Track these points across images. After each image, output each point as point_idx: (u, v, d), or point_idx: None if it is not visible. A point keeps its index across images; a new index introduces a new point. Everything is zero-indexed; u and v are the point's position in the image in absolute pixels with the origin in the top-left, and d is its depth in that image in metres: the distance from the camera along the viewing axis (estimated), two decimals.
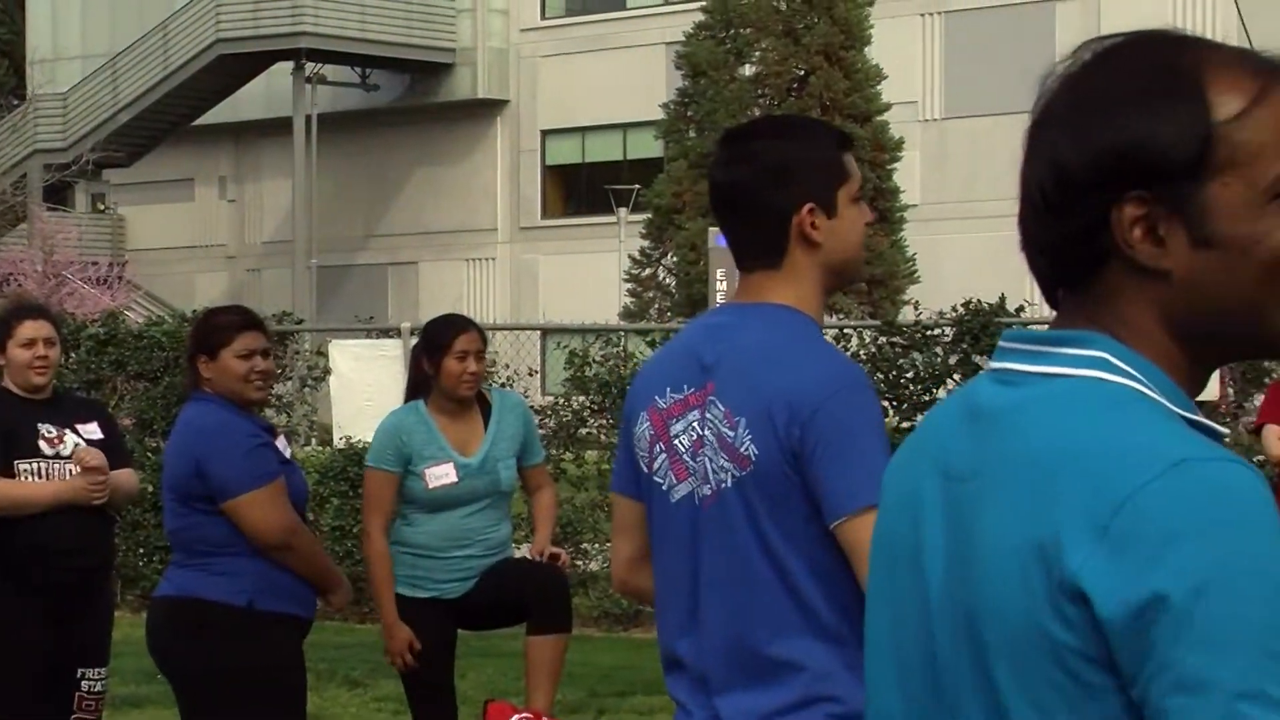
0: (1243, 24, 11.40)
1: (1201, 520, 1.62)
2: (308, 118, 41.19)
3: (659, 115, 37.65)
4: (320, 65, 42.05)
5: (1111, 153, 1.75)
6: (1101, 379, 1.77)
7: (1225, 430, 1.84)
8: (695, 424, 3.35)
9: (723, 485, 3.30)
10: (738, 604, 3.31)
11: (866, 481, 3.15)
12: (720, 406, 3.31)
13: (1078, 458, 1.70)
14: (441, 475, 7.00)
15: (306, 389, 15.45)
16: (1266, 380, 12.64)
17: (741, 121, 34.34)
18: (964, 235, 40.51)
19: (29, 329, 7.01)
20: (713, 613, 3.34)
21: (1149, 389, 1.77)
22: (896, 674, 1.90)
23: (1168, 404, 1.77)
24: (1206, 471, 1.65)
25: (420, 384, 7.14)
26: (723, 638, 3.33)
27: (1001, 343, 1.88)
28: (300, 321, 16.90)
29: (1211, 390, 10.79)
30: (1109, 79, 1.78)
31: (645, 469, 3.45)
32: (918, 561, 1.86)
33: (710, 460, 3.32)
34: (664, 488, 3.40)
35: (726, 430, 3.29)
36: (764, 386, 3.27)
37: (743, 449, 3.27)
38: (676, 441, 3.38)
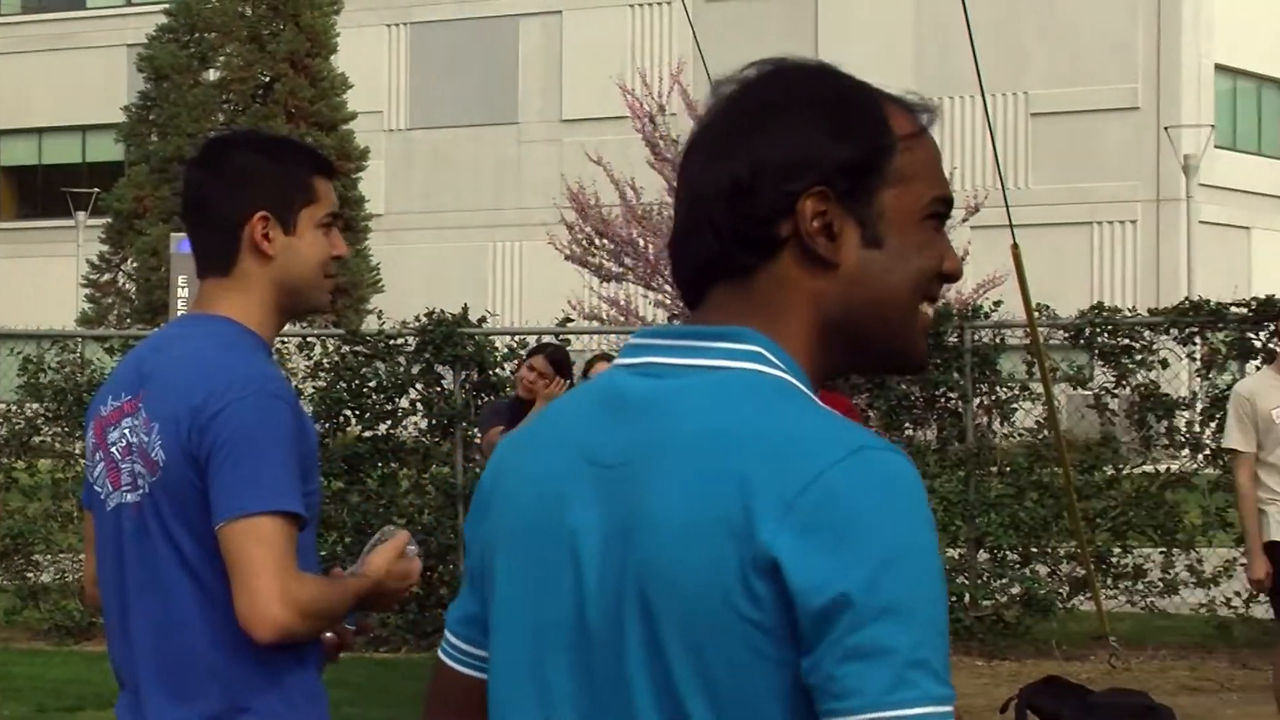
0: (699, 51, 11.74)
1: (880, 504, 1.78)
2: None
3: (120, 118, 36.79)
4: None
5: (808, 148, 1.91)
6: (758, 371, 1.90)
7: None
8: (127, 431, 3.31)
9: (142, 492, 3.27)
10: (159, 613, 3.27)
11: (255, 488, 3.14)
12: (144, 414, 3.28)
13: (760, 440, 1.82)
14: None
15: None
16: None
17: (205, 127, 33.90)
18: (428, 245, 40.75)
19: None
20: (139, 623, 3.30)
21: (799, 384, 1.91)
22: (535, 687, 1.94)
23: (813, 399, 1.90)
24: (882, 459, 1.81)
25: None
26: (148, 649, 3.29)
27: (635, 340, 1.98)
28: None
29: None
30: (807, 88, 1.95)
31: (90, 478, 3.41)
32: (572, 551, 1.91)
33: (133, 467, 3.29)
34: (102, 496, 3.36)
35: (144, 436, 3.26)
36: (177, 392, 3.24)
37: (153, 454, 3.24)
38: (113, 449, 3.33)
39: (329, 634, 3.46)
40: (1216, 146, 36.53)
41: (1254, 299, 12.72)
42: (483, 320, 13.96)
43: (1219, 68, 37.55)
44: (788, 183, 1.91)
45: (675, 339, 1.94)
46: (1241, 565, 9.92)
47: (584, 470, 1.92)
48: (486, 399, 13.38)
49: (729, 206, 1.92)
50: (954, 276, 1.99)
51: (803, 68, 1.98)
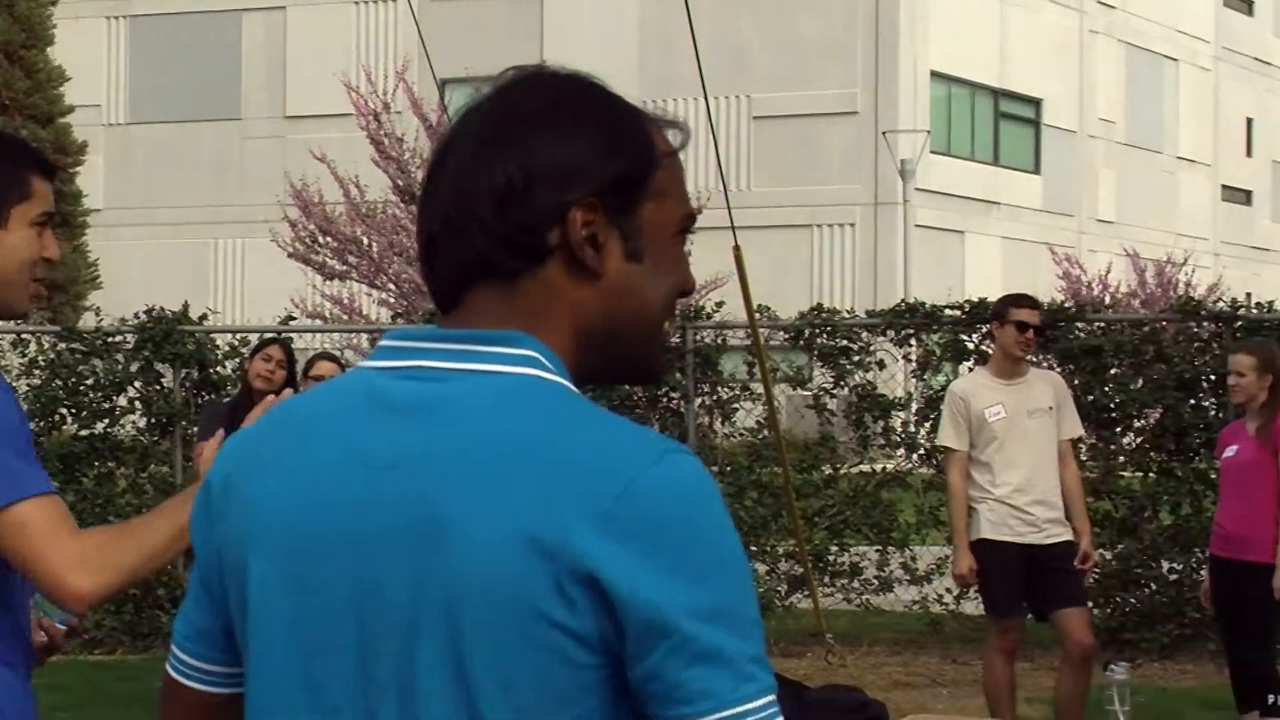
0: (424, 49, 11.72)
1: (694, 509, 1.82)
2: None
3: None
4: None
5: (581, 158, 1.93)
6: (537, 376, 1.91)
7: None
8: None
9: None
10: None
11: (3, 479, 3.09)
12: None
13: (562, 449, 1.83)
14: None
15: None
16: None
17: None
18: (147, 241, 40.06)
19: None
20: None
21: (574, 390, 1.93)
22: (307, 695, 1.91)
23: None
24: (685, 463, 1.84)
25: None
26: None
27: (394, 342, 1.96)
28: None
29: None
30: (578, 97, 1.98)
31: None
32: (349, 555, 1.88)
33: None
34: None
35: None
36: None
37: None
38: None
39: (40, 635, 3.40)
40: (932, 152, 37.29)
41: (967, 301, 13.04)
42: (204, 318, 13.78)
43: (934, 74, 38.34)
44: (560, 191, 1.92)
45: (444, 342, 1.93)
46: (952, 562, 10.15)
47: (356, 472, 1.90)
48: (208, 397, 13.21)
49: (499, 209, 1.93)
50: (691, 292, 2.04)
51: (570, 77, 2.01)
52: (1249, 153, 49.74)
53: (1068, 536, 8.99)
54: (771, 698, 1.81)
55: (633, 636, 1.78)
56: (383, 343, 1.98)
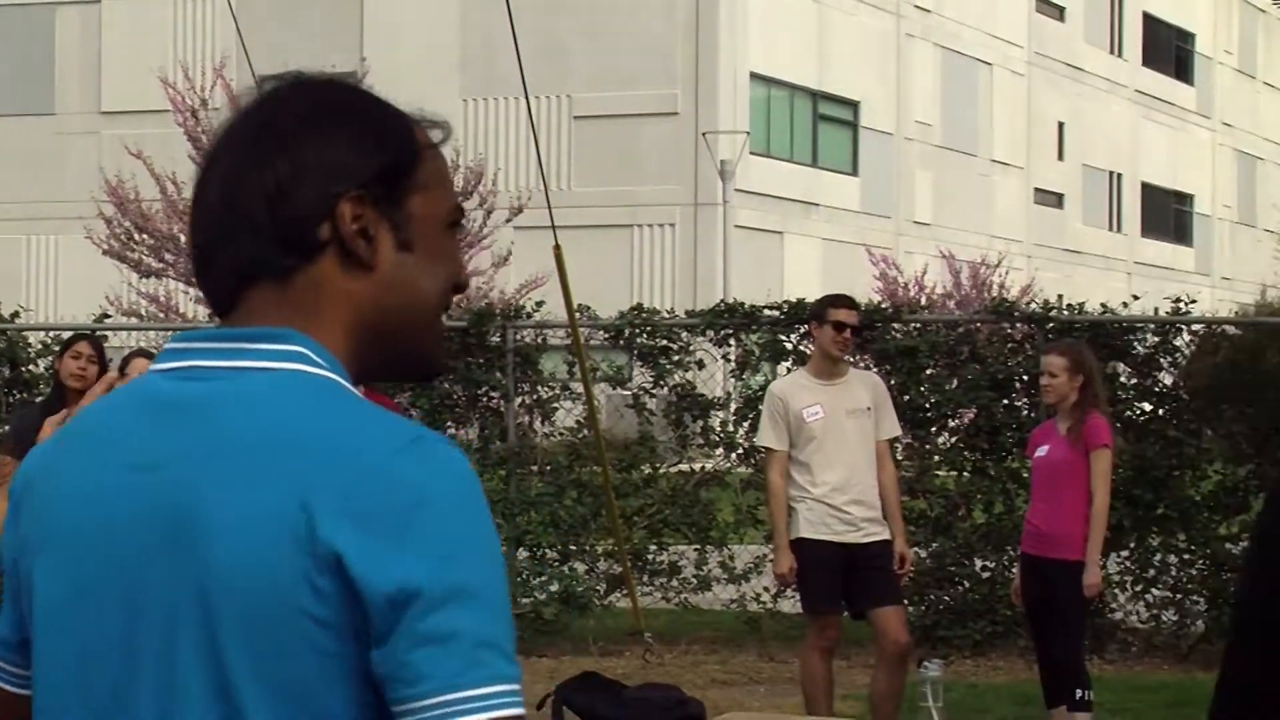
0: (242, 45, 11.62)
1: (440, 491, 1.82)
2: None
3: None
4: None
5: (346, 153, 1.97)
6: (304, 371, 1.92)
7: None
8: None
9: None
10: None
11: None
12: None
13: (314, 438, 1.84)
14: None
15: None
16: None
17: None
18: None
19: None
20: None
21: (345, 383, 1.94)
22: (80, 695, 1.91)
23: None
24: (437, 448, 1.85)
25: None
26: None
27: (173, 345, 1.98)
28: None
29: None
30: (340, 96, 2.03)
31: None
32: (114, 558, 1.89)
33: None
34: None
35: None
36: None
37: None
38: None
39: None
40: (751, 153, 37.52)
41: (786, 302, 13.14)
42: (15, 315, 13.56)
43: (754, 76, 38.57)
44: (327, 185, 1.96)
45: (215, 341, 1.95)
46: (770, 561, 10.24)
47: (125, 476, 1.91)
48: (19, 396, 13.00)
49: (269, 208, 1.95)
50: (465, 288, 2.08)
51: (330, 82, 2.05)
52: (1061, 156, 50.58)
53: (885, 535, 9.09)
54: (505, 687, 1.79)
55: (373, 619, 1.79)
56: (166, 345, 2.00)
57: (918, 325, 13.14)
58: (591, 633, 12.77)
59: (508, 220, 27.23)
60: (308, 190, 1.95)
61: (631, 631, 12.28)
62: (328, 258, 1.97)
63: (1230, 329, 13.40)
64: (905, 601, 10.08)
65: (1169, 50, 56.20)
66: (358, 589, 1.78)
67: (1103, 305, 13.86)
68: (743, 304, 13.35)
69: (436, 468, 1.83)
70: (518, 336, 13.31)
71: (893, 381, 12.39)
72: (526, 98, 10.78)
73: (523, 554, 12.99)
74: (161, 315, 25.53)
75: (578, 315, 11.90)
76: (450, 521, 1.81)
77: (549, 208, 11.76)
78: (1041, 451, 9.03)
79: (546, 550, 12.98)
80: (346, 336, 1.98)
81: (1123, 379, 12.73)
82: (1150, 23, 54.94)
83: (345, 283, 1.97)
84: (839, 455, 9.03)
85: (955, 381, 12.89)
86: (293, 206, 1.95)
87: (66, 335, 12.54)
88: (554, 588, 12.79)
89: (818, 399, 9.07)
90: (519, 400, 13.34)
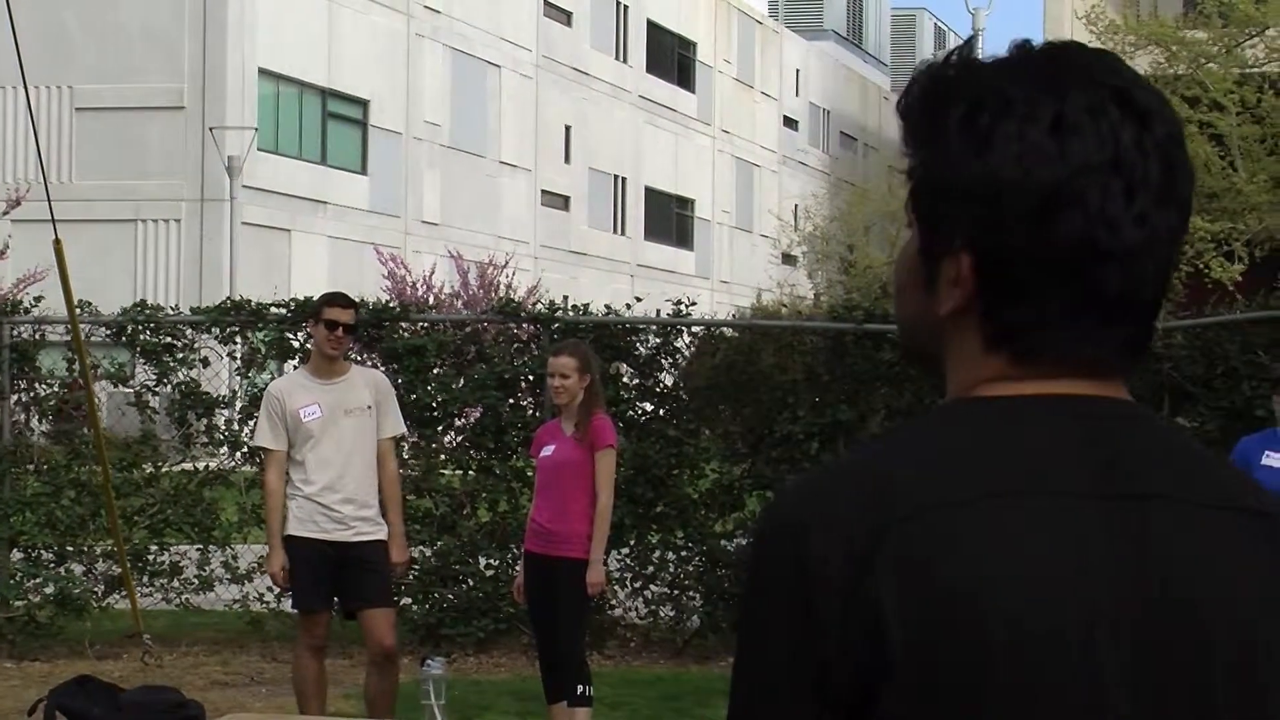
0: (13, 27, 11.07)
1: None
2: None
3: None
4: None
5: None
6: None
7: None
8: None
9: None
10: None
11: None
12: None
13: None
14: None
15: None
16: None
17: None
18: None
19: None
20: None
21: None
22: None
23: None
24: None
25: None
26: None
27: None
28: None
29: None
30: None
31: None
32: None
33: None
34: None
35: None
36: None
37: None
38: None
39: None
40: (260, 150, 37.12)
41: (293, 300, 13.07)
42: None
43: (263, 72, 38.17)
44: None
45: None
46: None
47: None
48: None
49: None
50: None
51: None
52: (568, 159, 51.38)
53: (380, 536, 9.12)
54: None
55: None
56: None
57: (425, 325, 13.21)
58: (88, 635, 12.49)
59: (4, 213, 26.41)
60: None
61: (130, 634, 12.06)
62: None
63: (728, 331, 13.81)
64: (396, 603, 10.13)
65: (671, 58, 57.64)
66: None
67: (607, 306, 14.18)
68: (249, 301, 13.22)
69: None
70: (15, 332, 12.92)
71: (400, 380, 12.43)
72: (25, 88, 10.48)
73: (16, 555, 12.64)
74: None
75: (79, 311, 11.63)
76: None
77: (49, 201, 11.47)
78: (547, 451, 9.16)
79: (42, 551, 12.65)
80: None
81: (625, 379, 13.02)
82: (654, 30, 56.25)
83: None
84: (334, 454, 9.04)
85: (462, 381, 12.99)
86: None
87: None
88: (49, 590, 12.49)
89: (316, 398, 9.05)
90: (14, 398, 12.96)
